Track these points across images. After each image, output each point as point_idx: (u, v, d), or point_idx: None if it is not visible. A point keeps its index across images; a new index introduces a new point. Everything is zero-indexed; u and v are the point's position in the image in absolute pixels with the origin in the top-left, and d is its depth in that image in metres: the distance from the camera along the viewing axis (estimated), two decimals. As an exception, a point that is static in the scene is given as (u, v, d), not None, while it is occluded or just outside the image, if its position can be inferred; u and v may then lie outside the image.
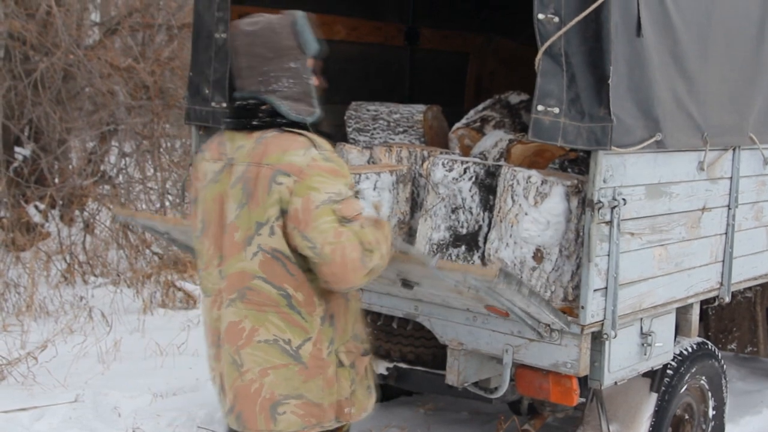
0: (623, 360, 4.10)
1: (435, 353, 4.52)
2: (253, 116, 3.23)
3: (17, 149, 9.82)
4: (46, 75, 9.26)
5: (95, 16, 11.74)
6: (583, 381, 4.01)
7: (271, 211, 3.12)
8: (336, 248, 3.08)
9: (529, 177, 3.96)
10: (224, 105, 5.05)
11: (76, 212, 9.89)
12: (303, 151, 3.12)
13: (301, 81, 3.26)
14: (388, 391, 5.57)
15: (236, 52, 3.29)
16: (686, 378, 4.65)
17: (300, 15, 3.31)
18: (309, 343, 3.21)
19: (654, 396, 4.55)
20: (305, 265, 3.18)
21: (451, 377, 4.20)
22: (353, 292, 3.39)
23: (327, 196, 3.08)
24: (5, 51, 9.58)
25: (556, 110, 3.66)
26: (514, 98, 5.61)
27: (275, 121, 3.21)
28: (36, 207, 9.70)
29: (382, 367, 4.66)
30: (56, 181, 9.82)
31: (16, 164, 9.59)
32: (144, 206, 10.19)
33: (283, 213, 3.12)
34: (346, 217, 3.11)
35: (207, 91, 5.09)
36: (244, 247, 3.19)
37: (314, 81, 3.32)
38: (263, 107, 3.23)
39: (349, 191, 3.17)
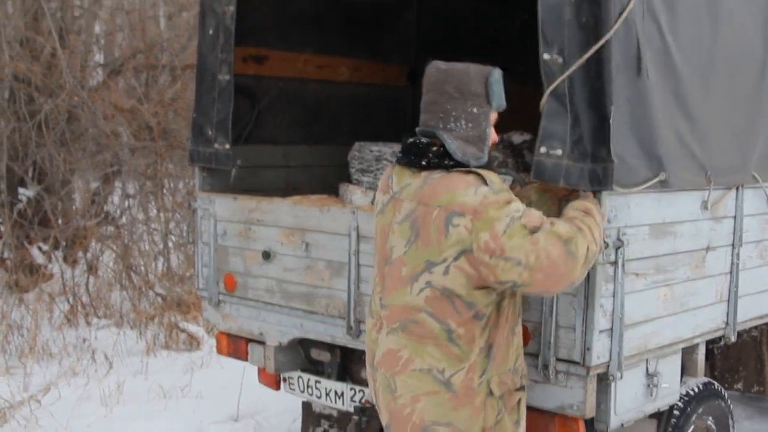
0: (630, 401, 4.07)
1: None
2: (423, 155, 3.36)
3: (21, 190, 9.85)
4: (50, 116, 9.31)
5: (99, 57, 11.82)
6: (590, 423, 3.97)
7: (449, 252, 3.23)
8: (540, 253, 3.18)
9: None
10: (227, 146, 5.07)
11: (80, 253, 9.89)
12: (473, 189, 3.23)
13: (478, 127, 3.39)
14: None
15: (426, 88, 3.43)
16: (693, 418, 4.61)
17: (497, 70, 3.44)
18: (462, 372, 3.32)
19: (661, 437, 4.51)
20: (482, 302, 3.29)
21: (456, 419, 4.16)
22: (517, 328, 3.48)
23: (509, 219, 3.19)
24: (10, 92, 9.64)
25: (559, 152, 3.65)
26: (517, 138, 5.62)
27: (442, 162, 3.33)
28: (39, 248, 9.70)
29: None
30: (60, 221, 9.83)
31: (20, 205, 9.60)
32: (147, 247, 10.19)
33: (464, 252, 3.22)
34: (535, 226, 3.21)
35: (210, 133, 5.11)
36: (410, 282, 3.33)
37: (491, 133, 3.45)
38: (434, 148, 3.36)
39: (524, 206, 3.27)
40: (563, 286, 3.31)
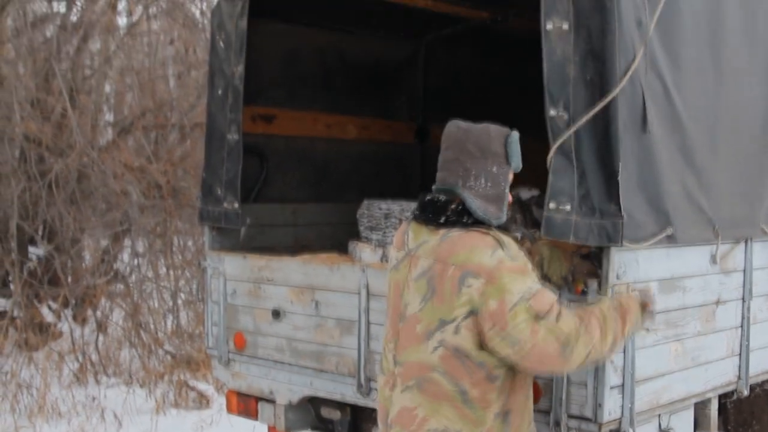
0: (643, 457, 4.05)
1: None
2: (441, 213, 3.36)
3: (31, 249, 9.89)
4: (60, 176, 9.38)
5: (109, 117, 11.92)
6: (603, 480, 3.94)
7: (460, 311, 3.22)
8: (534, 346, 3.17)
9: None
10: (236, 205, 5.10)
11: (89, 311, 9.89)
12: (490, 252, 3.21)
13: (498, 186, 3.39)
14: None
15: (445, 145, 3.43)
16: (707, 474, 4.57)
17: (515, 132, 3.46)
18: None
19: (675, 493, 4.46)
20: (491, 363, 3.26)
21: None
22: (529, 392, 3.47)
23: (519, 296, 3.17)
24: (21, 152, 9.72)
25: (568, 207, 3.68)
26: (525, 194, 5.63)
27: (461, 220, 3.33)
28: (49, 306, 9.71)
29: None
30: (69, 280, 9.85)
31: (30, 264, 9.63)
32: (156, 305, 10.20)
33: (472, 313, 3.21)
34: (540, 312, 3.17)
35: (219, 192, 5.14)
36: (425, 340, 3.29)
37: (508, 191, 3.46)
38: (452, 206, 3.35)
39: (538, 284, 3.24)
40: (552, 372, 3.34)
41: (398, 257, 3.48)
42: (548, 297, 3.24)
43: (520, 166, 3.49)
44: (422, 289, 3.32)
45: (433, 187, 3.47)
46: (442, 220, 3.35)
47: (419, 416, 3.32)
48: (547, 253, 3.79)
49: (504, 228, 3.41)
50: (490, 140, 3.39)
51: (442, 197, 3.40)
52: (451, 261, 3.25)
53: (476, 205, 3.34)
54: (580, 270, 3.78)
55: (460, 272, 3.22)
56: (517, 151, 3.45)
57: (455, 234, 3.31)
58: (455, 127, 3.45)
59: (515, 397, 3.36)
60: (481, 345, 3.25)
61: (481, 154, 3.37)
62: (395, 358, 3.43)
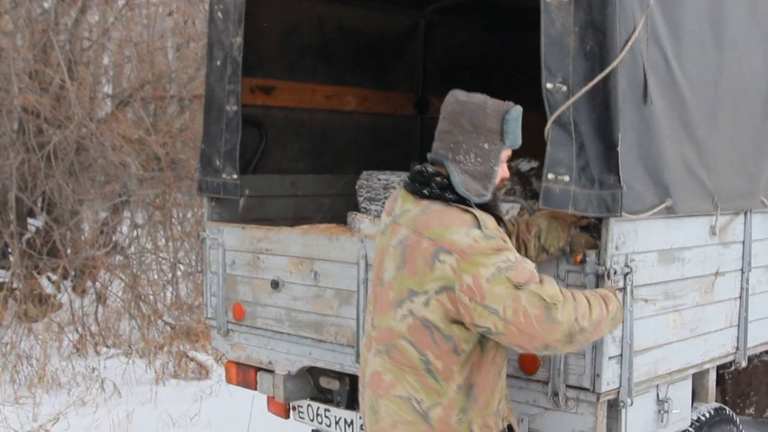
0: (640, 427, 4.06)
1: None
2: (426, 185, 3.37)
3: (30, 221, 9.89)
4: (59, 147, 9.36)
5: (108, 89, 11.89)
6: (601, 450, 3.96)
7: (432, 285, 3.24)
8: (518, 309, 3.16)
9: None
10: (235, 176, 5.09)
11: (89, 283, 9.91)
12: (465, 230, 3.22)
13: (487, 164, 3.39)
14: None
15: (442, 115, 3.44)
16: (704, 445, 4.60)
17: (516, 108, 3.43)
18: (439, 407, 3.32)
19: (672, 463, 4.49)
20: (461, 337, 3.29)
21: (467, 447, 4.16)
22: (503, 371, 3.48)
23: (495, 268, 3.17)
24: (19, 124, 9.70)
25: (566, 178, 3.67)
26: (525, 165, 5.63)
27: (444, 195, 3.34)
28: (48, 278, 9.72)
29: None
30: (69, 252, 9.86)
31: (28, 236, 9.64)
32: (156, 276, 10.21)
33: (446, 289, 3.23)
34: (519, 282, 3.17)
35: (218, 163, 5.14)
36: (396, 307, 3.35)
37: (500, 170, 3.45)
38: (438, 179, 3.36)
39: (516, 257, 3.24)
40: (538, 346, 3.24)
41: (386, 222, 3.52)
42: (527, 268, 3.24)
43: (518, 143, 3.47)
44: (397, 258, 3.35)
45: (428, 156, 3.49)
46: (426, 191, 3.37)
47: (386, 381, 3.40)
48: (545, 224, 3.79)
49: (489, 206, 3.40)
50: (485, 116, 3.38)
51: (431, 169, 3.41)
52: (426, 234, 3.26)
53: (459, 180, 3.35)
54: (577, 241, 3.78)
55: (434, 247, 3.23)
56: (515, 128, 3.43)
57: (436, 208, 3.33)
58: (454, 98, 3.44)
59: (481, 372, 3.37)
60: (452, 319, 3.27)
61: (473, 129, 3.37)
62: (372, 321, 3.49)
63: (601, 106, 3.68)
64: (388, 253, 3.42)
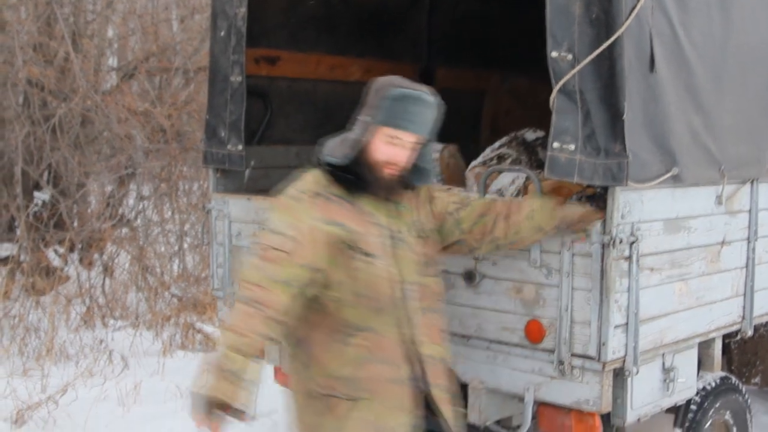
0: (646, 396, 4.08)
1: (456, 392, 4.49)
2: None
3: (36, 194, 9.89)
4: (64, 120, 9.34)
5: (112, 61, 11.85)
6: (606, 418, 3.98)
7: None
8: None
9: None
10: (240, 147, 5.09)
11: (95, 255, 9.93)
12: (292, 186, 3.47)
13: (356, 133, 3.46)
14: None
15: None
16: (710, 413, 4.60)
17: (400, 90, 3.42)
18: (290, 357, 3.57)
19: (678, 432, 4.51)
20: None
21: (473, 416, 4.18)
22: (356, 341, 3.43)
23: (271, 225, 3.36)
24: (24, 97, 9.68)
25: (572, 147, 3.67)
26: (530, 135, 5.61)
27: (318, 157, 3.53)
28: (55, 251, 9.74)
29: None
30: (75, 224, 9.87)
31: (35, 209, 9.65)
32: (162, 249, 10.23)
33: None
34: (260, 243, 3.33)
35: (223, 134, 5.13)
36: None
37: (374, 148, 3.44)
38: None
39: (286, 228, 3.30)
40: None
41: None
42: (275, 241, 3.28)
43: (397, 125, 3.43)
44: None
45: None
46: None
47: None
48: (537, 204, 3.77)
49: (357, 183, 3.46)
50: (372, 92, 3.47)
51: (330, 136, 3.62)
52: None
53: (330, 142, 3.54)
54: (570, 220, 3.75)
55: None
56: (391, 107, 3.41)
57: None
58: (386, 76, 3.55)
59: (317, 332, 3.44)
60: None
61: (364, 104, 3.49)
62: None
63: (607, 75, 3.67)
64: None
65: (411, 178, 3.59)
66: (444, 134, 6.28)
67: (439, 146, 5.61)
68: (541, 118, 4.55)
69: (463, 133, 6.72)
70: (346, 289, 3.37)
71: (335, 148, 3.48)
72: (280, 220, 3.33)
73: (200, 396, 3.13)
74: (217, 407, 3.11)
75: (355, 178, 3.45)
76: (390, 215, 3.53)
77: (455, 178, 5.50)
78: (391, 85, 3.43)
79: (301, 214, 3.33)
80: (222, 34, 5.13)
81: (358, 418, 3.43)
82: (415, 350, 3.51)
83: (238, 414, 3.17)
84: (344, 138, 3.49)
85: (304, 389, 3.48)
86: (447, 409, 3.62)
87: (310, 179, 3.47)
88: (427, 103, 3.46)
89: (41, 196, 9.87)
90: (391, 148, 3.43)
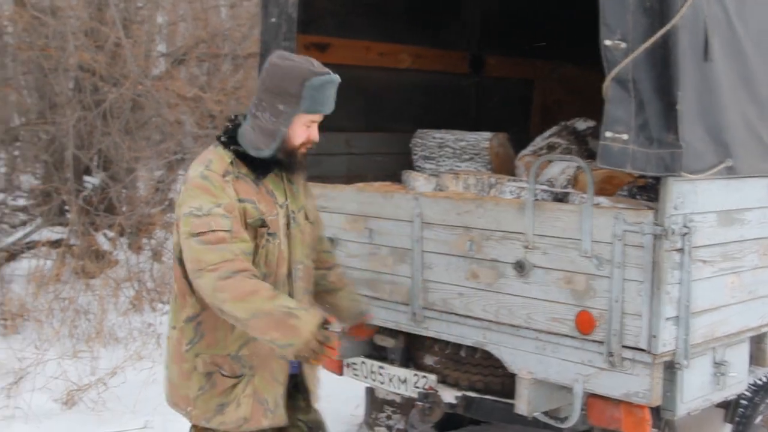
0: (696, 390, 4.03)
1: (504, 382, 4.49)
2: (221, 129, 3.59)
3: (86, 178, 9.99)
4: (114, 105, 9.43)
5: (162, 47, 11.94)
6: (656, 411, 3.94)
7: (177, 211, 3.47)
8: (187, 255, 3.35)
9: (598, 204, 3.95)
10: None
11: (144, 240, 10.02)
12: (200, 166, 3.43)
13: (278, 124, 3.45)
14: (456, 420, 5.54)
15: (264, 72, 3.52)
16: (761, 408, 4.55)
17: (320, 77, 3.44)
18: (175, 331, 3.56)
19: (728, 427, 4.46)
20: None
21: (521, 406, 4.17)
22: None
23: (189, 210, 3.34)
24: (75, 82, 9.77)
25: (625, 136, 3.63)
26: (581, 125, 5.58)
27: (218, 137, 3.54)
28: (105, 235, 9.84)
29: (451, 396, 4.64)
30: (125, 209, 9.96)
31: (85, 193, 9.75)
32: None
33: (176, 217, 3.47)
34: (194, 232, 3.30)
35: (274, 121, 5.13)
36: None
37: (293, 134, 3.48)
38: (227, 124, 3.57)
39: (214, 208, 3.34)
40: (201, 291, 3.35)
41: None
42: (210, 222, 3.31)
43: (320, 110, 3.49)
44: None
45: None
46: (217, 134, 3.58)
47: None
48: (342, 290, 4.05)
49: (267, 163, 3.50)
50: (288, 81, 3.42)
51: (233, 116, 3.61)
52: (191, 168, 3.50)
53: (245, 131, 3.50)
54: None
55: (184, 179, 3.49)
56: (315, 95, 3.44)
57: (211, 147, 3.56)
58: (274, 57, 3.51)
59: (209, 311, 3.42)
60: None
61: (275, 90, 3.43)
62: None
63: (661, 64, 3.64)
64: None
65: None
66: (493, 123, 6.31)
67: (488, 135, 5.59)
68: (592, 108, 4.52)
69: (512, 121, 6.70)
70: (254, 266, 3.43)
71: (256, 140, 3.47)
72: (203, 202, 3.33)
73: (303, 336, 3.24)
74: (320, 334, 3.26)
75: (262, 161, 3.51)
76: (287, 195, 3.61)
77: (504, 167, 5.48)
78: (308, 72, 3.42)
79: (218, 192, 3.38)
80: (273, 20, 5.14)
81: (240, 394, 3.53)
82: None
83: (335, 327, 3.45)
84: (260, 128, 3.47)
85: (186, 365, 3.52)
86: (313, 384, 3.78)
87: (215, 158, 3.45)
88: (337, 83, 3.53)
89: (92, 181, 9.98)
90: (309, 130, 3.53)
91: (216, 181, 3.38)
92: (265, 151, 3.48)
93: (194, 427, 3.62)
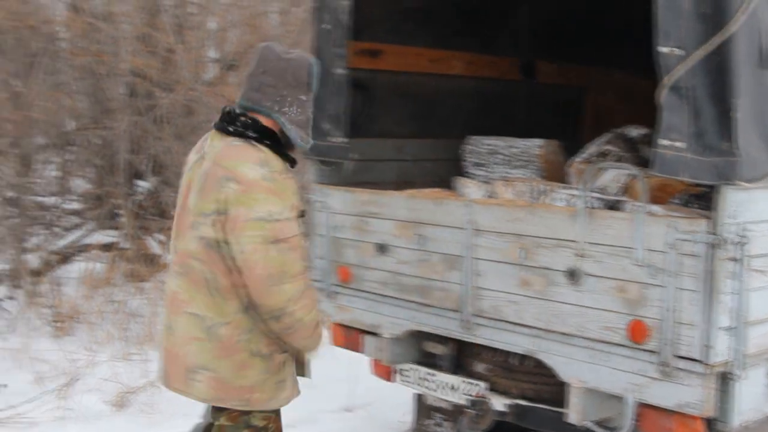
0: (751, 401, 3.97)
1: (555, 390, 4.46)
2: (232, 123, 3.62)
3: (138, 182, 10.09)
4: (167, 110, 9.51)
5: (213, 53, 12.03)
6: (709, 422, 3.90)
7: (216, 206, 3.47)
8: (249, 260, 3.43)
9: (651, 212, 3.92)
10: (342, 139, 5.12)
11: (194, 244, 10.07)
12: (256, 166, 3.47)
13: (305, 113, 3.68)
14: (505, 428, 5.52)
15: (262, 69, 3.63)
16: (815, 421, 4.48)
17: (315, 61, 3.72)
18: (224, 326, 3.55)
19: (781, 440, 4.40)
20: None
21: (572, 415, 4.14)
22: None
23: (260, 214, 3.41)
24: (128, 87, 9.87)
25: (680, 144, 3.61)
26: (634, 132, 5.54)
27: (246, 132, 3.58)
28: (156, 239, 9.93)
29: (501, 403, 4.62)
30: (175, 213, 10.03)
31: (137, 197, 9.85)
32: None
33: (221, 212, 3.46)
34: (270, 237, 3.42)
35: (326, 126, 5.17)
36: (191, 230, 3.58)
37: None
38: (242, 118, 3.61)
39: (286, 212, 3.48)
40: (255, 300, 3.50)
41: (194, 159, 3.71)
42: (288, 228, 3.47)
43: (318, 87, 3.78)
44: (198, 186, 3.59)
45: (239, 102, 3.68)
46: (231, 129, 3.60)
47: (182, 300, 3.63)
48: None
49: (285, 150, 3.64)
50: (302, 72, 3.63)
51: (238, 110, 3.64)
52: (222, 163, 3.51)
53: (295, 133, 3.62)
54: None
55: (225, 173, 3.47)
56: (315, 80, 3.70)
57: (237, 143, 3.56)
58: (275, 54, 3.63)
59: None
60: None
61: (296, 83, 3.61)
62: (175, 246, 3.71)
63: (717, 71, 3.60)
64: (194, 184, 3.62)
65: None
66: (544, 129, 6.28)
67: (540, 142, 5.58)
68: (643, 115, 4.48)
69: (563, 128, 6.67)
70: None
71: (302, 133, 3.65)
72: (273, 206, 3.44)
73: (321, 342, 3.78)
74: None
75: (287, 155, 3.66)
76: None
77: (556, 175, 5.45)
78: (307, 60, 3.66)
79: (285, 192, 3.49)
80: (325, 26, 5.17)
81: (289, 370, 3.75)
82: None
83: None
84: (295, 122, 3.62)
85: (239, 356, 3.58)
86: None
87: (268, 157, 3.53)
88: None
89: (143, 185, 10.07)
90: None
91: (280, 181, 3.49)
92: (311, 142, 3.70)
93: (228, 417, 3.68)
